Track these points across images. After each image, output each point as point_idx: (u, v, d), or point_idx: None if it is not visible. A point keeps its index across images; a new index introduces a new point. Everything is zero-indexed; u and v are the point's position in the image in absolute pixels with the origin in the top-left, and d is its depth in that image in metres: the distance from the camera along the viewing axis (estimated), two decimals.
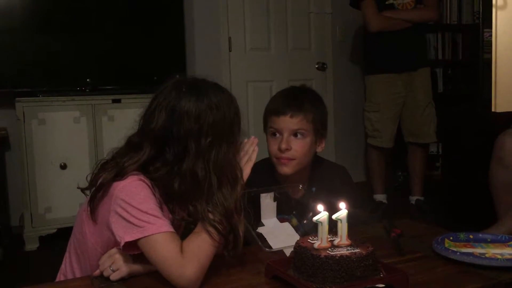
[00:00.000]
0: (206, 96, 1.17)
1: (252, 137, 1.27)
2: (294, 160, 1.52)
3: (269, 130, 1.56)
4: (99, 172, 1.20)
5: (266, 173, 1.58)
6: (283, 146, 1.50)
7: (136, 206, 1.11)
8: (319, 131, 1.57)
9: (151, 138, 1.17)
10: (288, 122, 1.51)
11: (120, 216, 1.12)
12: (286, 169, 1.53)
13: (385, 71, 3.38)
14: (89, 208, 1.20)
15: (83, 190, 1.24)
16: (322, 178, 1.59)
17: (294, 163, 1.53)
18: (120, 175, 1.15)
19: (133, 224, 1.10)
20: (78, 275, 1.28)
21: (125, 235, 1.10)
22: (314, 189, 1.57)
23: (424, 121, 3.42)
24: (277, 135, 1.53)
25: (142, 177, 1.16)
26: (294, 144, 1.52)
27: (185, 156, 1.14)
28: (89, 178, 1.22)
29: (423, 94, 3.41)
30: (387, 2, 3.35)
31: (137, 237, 1.09)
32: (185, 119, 1.14)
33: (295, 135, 1.52)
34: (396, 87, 3.38)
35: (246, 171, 1.22)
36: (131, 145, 1.21)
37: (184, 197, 1.16)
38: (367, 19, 3.35)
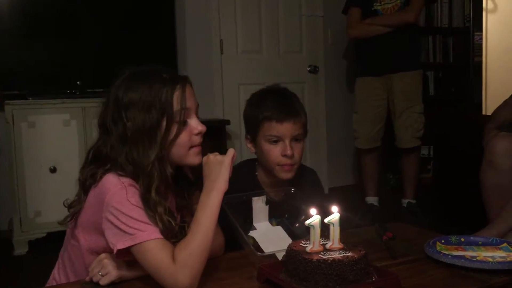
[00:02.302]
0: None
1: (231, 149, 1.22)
2: (295, 165, 1.53)
3: (268, 137, 1.53)
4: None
5: (246, 177, 1.58)
6: (290, 152, 1.50)
7: (126, 213, 1.11)
8: (306, 132, 1.59)
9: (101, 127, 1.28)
10: (290, 129, 1.51)
11: (112, 223, 1.12)
12: (289, 175, 1.53)
13: (366, 74, 3.46)
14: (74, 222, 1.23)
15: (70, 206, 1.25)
16: (294, 181, 1.59)
17: (295, 167, 1.54)
18: (94, 178, 1.17)
19: (124, 231, 1.10)
20: (72, 279, 1.27)
21: (118, 243, 1.10)
22: (293, 189, 1.56)
23: (399, 126, 3.40)
24: (278, 141, 1.52)
25: (131, 182, 1.15)
26: (295, 149, 1.52)
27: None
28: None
29: (401, 98, 3.37)
30: (372, 8, 3.39)
31: (128, 245, 1.09)
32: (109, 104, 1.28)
33: (295, 140, 1.53)
34: (375, 89, 3.43)
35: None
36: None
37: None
38: (346, 27, 3.50)
